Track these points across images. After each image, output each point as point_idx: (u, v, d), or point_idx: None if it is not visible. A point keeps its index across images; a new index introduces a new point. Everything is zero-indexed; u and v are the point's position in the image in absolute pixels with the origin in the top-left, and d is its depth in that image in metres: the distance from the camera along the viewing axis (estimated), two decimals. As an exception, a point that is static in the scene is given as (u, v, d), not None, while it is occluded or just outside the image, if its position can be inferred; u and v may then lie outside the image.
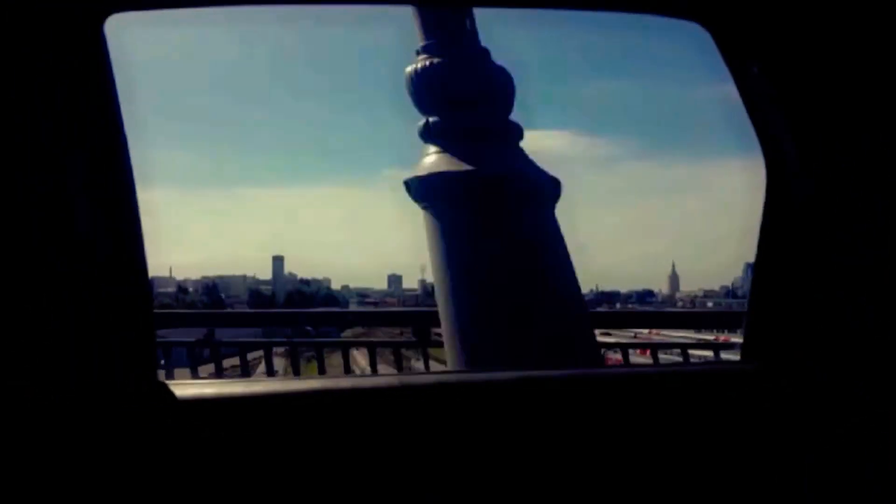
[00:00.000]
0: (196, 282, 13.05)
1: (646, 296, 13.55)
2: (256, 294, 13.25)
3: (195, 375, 4.89)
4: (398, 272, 13.20)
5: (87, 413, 1.38)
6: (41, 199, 1.36)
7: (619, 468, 1.58)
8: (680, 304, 12.42)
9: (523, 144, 3.96)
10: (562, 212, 3.96)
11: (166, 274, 12.38)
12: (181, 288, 12.90)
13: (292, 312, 8.56)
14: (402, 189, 4.04)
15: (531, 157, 3.96)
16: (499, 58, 3.92)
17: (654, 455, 1.60)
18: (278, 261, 13.50)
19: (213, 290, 12.98)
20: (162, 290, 12.19)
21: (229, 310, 10.50)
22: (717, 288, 12.59)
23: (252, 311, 10.57)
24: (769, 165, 1.67)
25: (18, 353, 1.37)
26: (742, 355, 1.81)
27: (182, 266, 12.83)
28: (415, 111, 3.93)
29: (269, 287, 13.37)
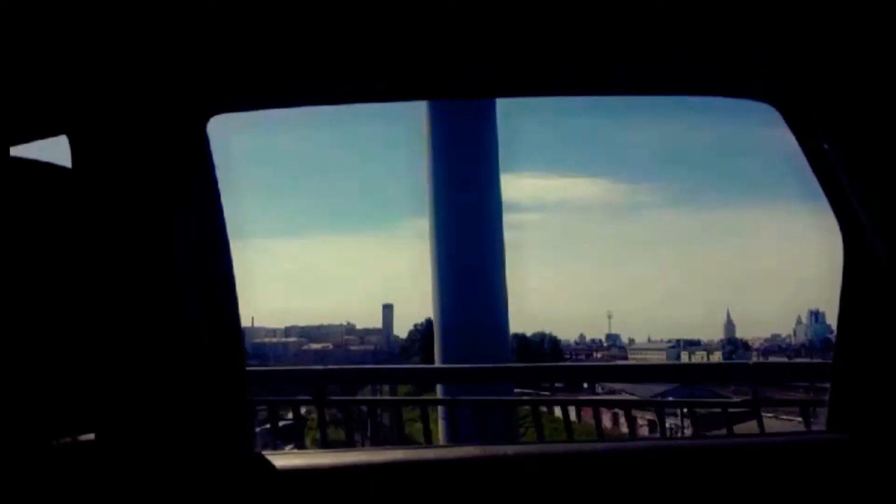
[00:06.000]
0: (289, 329, 12.51)
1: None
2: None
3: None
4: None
5: (181, 485, 1.44)
6: (141, 276, 1.47)
7: None
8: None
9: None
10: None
11: (248, 324, 12.20)
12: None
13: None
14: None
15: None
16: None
17: None
18: (388, 308, 12.77)
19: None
20: (254, 339, 12.10)
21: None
22: (768, 335, 12.25)
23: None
24: (845, 235, 1.67)
25: (112, 420, 1.44)
26: (828, 426, 1.76)
27: (265, 315, 12.60)
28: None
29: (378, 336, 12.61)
